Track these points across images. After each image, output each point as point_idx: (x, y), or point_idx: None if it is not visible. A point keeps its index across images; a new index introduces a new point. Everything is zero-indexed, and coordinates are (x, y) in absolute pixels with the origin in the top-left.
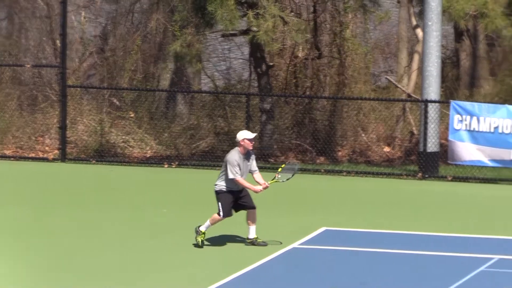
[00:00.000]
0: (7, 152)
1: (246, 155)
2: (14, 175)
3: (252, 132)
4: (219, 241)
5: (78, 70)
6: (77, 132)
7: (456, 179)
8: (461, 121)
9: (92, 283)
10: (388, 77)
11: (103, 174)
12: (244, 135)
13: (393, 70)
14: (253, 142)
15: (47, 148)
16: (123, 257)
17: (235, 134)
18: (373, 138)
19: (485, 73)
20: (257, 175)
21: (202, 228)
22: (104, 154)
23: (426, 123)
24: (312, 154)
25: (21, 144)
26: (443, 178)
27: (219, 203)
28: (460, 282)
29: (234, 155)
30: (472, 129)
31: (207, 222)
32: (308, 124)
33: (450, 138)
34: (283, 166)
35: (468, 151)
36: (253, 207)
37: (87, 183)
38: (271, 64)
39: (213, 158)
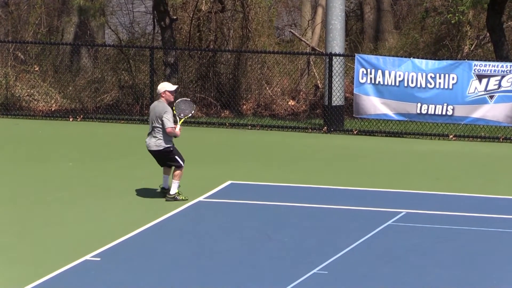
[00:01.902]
0: None
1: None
2: None
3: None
4: (123, 198)
5: None
6: None
7: (361, 133)
8: (366, 74)
9: None
10: (292, 31)
11: (9, 127)
12: (166, 86)
13: (297, 23)
14: (174, 94)
15: None
16: (24, 212)
17: (140, 88)
18: (277, 91)
19: (389, 27)
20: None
21: (174, 190)
22: (10, 108)
23: (330, 76)
24: (217, 107)
25: None
26: (348, 132)
27: (177, 157)
28: (367, 236)
29: (165, 106)
30: (377, 82)
31: (175, 183)
32: (212, 78)
33: (355, 91)
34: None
35: (374, 105)
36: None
37: None
38: (175, 17)
39: (118, 112)
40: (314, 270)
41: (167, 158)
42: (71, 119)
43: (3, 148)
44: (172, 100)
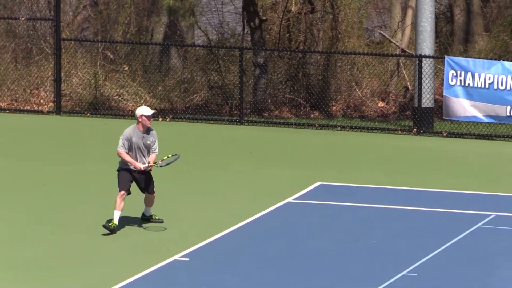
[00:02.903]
0: (2, 105)
1: (146, 132)
2: (9, 127)
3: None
4: (213, 198)
5: (72, 24)
6: (71, 85)
7: (451, 135)
8: (456, 76)
9: (80, 235)
10: (381, 32)
11: (98, 127)
12: (142, 111)
13: (386, 25)
14: (151, 120)
15: (42, 101)
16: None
17: (229, 88)
18: (367, 93)
19: (479, 29)
20: (152, 156)
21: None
22: (99, 107)
23: (420, 78)
24: (306, 108)
25: (16, 96)
26: (438, 133)
27: (118, 180)
28: (457, 238)
29: (127, 131)
30: (466, 85)
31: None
32: (302, 79)
33: (444, 93)
34: (169, 156)
35: (463, 107)
36: (150, 192)
37: (82, 136)
38: (264, 18)
39: (207, 112)
40: (403, 272)
41: None
42: (160, 119)
43: (92, 148)
44: (149, 125)
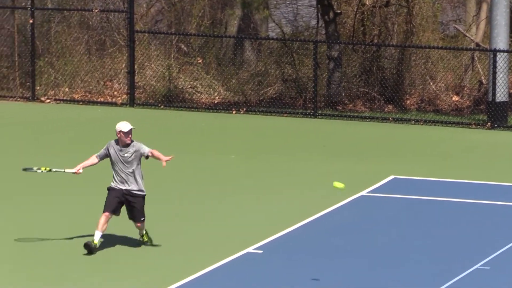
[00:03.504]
0: (76, 96)
1: (125, 146)
2: (82, 119)
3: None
4: (286, 191)
5: (146, 16)
6: (145, 77)
7: None
8: None
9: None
10: (456, 26)
11: (172, 119)
12: (120, 127)
13: (461, 19)
14: (130, 135)
15: (115, 92)
16: (187, 203)
17: (303, 81)
18: (441, 87)
19: None
20: (156, 153)
21: (94, 238)
22: (172, 100)
23: (494, 72)
24: (380, 102)
25: (89, 88)
26: None
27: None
28: None
29: (110, 142)
30: None
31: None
32: (376, 72)
33: None
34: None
35: None
36: (137, 222)
37: (155, 128)
38: (339, 11)
39: (281, 105)
40: (477, 266)
41: None
42: (234, 112)
43: (165, 140)
44: (128, 142)
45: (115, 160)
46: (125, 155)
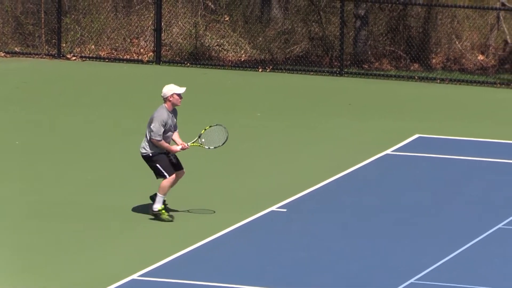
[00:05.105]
0: (102, 54)
1: (173, 112)
2: (108, 76)
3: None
4: (312, 149)
5: None
6: (171, 35)
7: None
8: None
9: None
10: None
11: (197, 76)
12: (173, 89)
13: None
14: (182, 98)
15: (141, 50)
16: (212, 160)
17: (330, 40)
18: (467, 46)
19: None
20: (176, 134)
21: (157, 206)
22: (199, 57)
23: None
24: (406, 60)
25: (116, 45)
26: None
27: (158, 166)
28: None
29: (162, 114)
30: None
31: (159, 197)
32: (402, 31)
33: None
34: (207, 128)
35: None
36: (182, 168)
37: (182, 86)
38: None
39: (308, 63)
40: (500, 225)
41: (149, 166)
42: (260, 70)
43: (191, 98)
44: (179, 104)
45: (166, 128)
46: (175, 120)
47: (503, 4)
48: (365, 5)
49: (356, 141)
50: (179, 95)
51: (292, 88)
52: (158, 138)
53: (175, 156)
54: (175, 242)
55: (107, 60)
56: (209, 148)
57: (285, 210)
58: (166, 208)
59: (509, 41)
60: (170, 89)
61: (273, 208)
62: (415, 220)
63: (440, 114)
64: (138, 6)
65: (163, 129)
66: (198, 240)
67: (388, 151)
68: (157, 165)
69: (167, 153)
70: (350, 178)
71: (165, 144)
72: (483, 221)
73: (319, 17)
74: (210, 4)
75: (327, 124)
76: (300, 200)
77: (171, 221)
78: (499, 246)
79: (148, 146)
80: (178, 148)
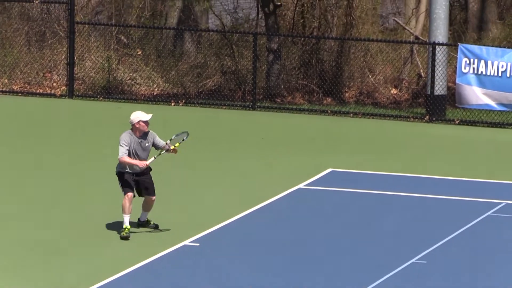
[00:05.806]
0: (15, 88)
1: (143, 137)
2: (21, 110)
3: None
4: (221, 184)
5: (86, 7)
6: (84, 68)
7: (463, 122)
8: (469, 64)
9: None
10: (395, 19)
11: (111, 110)
12: (140, 116)
13: (401, 12)
14: (149, 124)
15: (54, 84)
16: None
17: (243, 73)
18: (380, 80)
19: (493, 17)
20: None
21: (124, 224)
22: (112, 91)
23: (433, 65)
24: (319, 94)
25: (29, 79)
26: (450, 121)
27: (119, 183)
28: (467, 226)
29: (125, 136)
30: (479, 72)
31: (124, 216)
32: (315, 65)
33: (457, 81)
34: (172, 138)
35: (476, 95)
36: (151, 195)
37: (94, 120)
38: (279, 3)
39: (220, 97)
40: (413, 260)
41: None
42: (173, 104)
43: (104, 132)
44: (146, 130)
45: (132, 152)
46: (146, 145)
47: (416, 38)
48: (278, 39)
49: (269, 175)
50: (145, 122)
51: (204, 122)
52: (119, 155)
53: (149, 181)
54: (81, 276)
55: (20, 94)
56: (183, 136)
57: (197, 244)
58: (146, 224)
59: (422, 74)
60: (136, 116)
61: (186, 242)
62: (325, 256)
63: (353, 148)
64: (51, 40)
65: (125, 148)
66: (108, 275)
67: (301, 185)
68: (120, 181)
69: (134, 174)
70: (263, 212)
71: (127, 160)
72: (396, 256)
73: (231, 51)
74: (123, 38)
75: (240, 158)
76: (213, 234)
77: (126, 239)
78: (413, 280)
79: (118, 166)
80: (145, 162)
